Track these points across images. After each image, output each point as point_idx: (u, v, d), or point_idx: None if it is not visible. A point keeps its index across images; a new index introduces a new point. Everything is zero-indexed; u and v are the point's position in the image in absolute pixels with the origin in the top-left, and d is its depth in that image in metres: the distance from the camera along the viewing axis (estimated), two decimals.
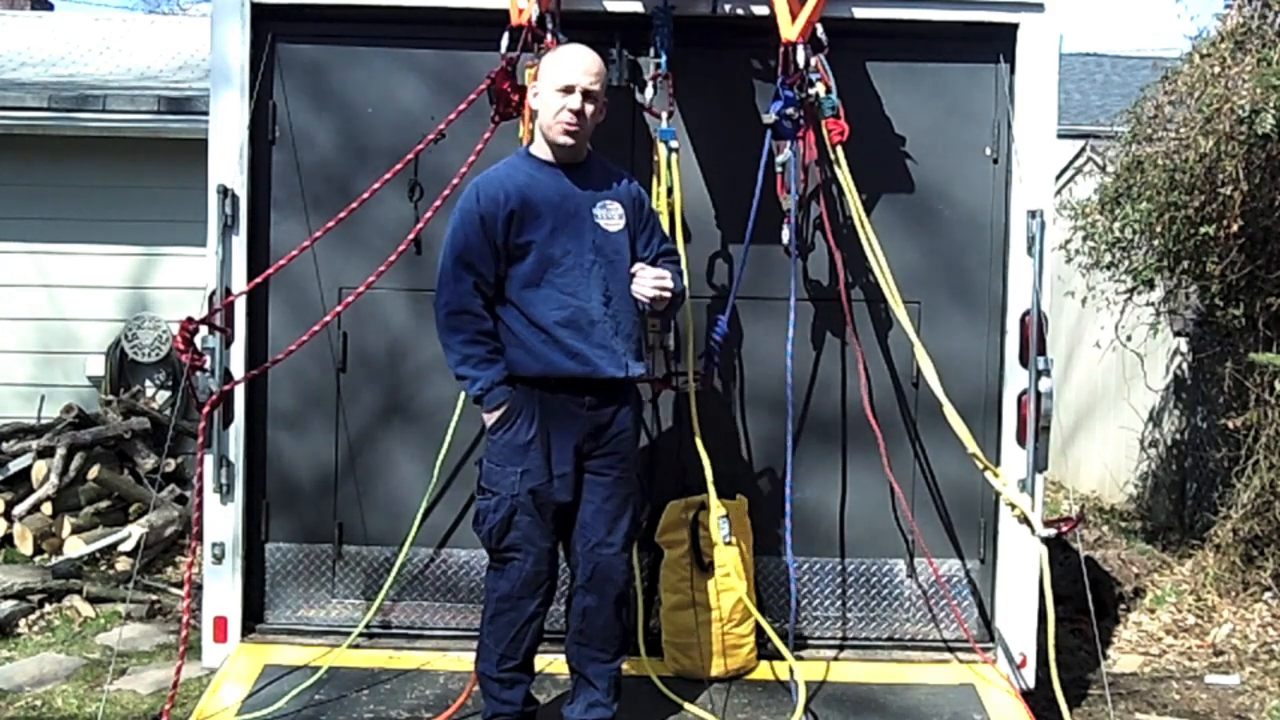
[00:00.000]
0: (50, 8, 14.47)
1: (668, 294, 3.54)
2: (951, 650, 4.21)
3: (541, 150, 3.52)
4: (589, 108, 3.45)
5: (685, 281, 3.79)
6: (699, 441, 3.81)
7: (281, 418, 4.24)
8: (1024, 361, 4.03)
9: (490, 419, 3.44)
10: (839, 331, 4.17)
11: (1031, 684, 4.10)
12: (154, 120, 8.12)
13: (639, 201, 3.64)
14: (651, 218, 3.70)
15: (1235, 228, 5.89)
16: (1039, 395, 3.90)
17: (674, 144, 3.93)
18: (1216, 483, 6.96)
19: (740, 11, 4.06)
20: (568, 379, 3.44)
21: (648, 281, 3.52)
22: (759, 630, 3.97)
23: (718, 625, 3.95)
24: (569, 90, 3.42)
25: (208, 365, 3.85)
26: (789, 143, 3.86)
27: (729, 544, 3.89)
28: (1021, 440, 4.03)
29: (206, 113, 4.19)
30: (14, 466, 7.15)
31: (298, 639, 4.18)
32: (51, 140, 8.25)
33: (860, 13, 4.05)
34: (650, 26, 3.97)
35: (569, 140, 3.46)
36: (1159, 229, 6.41)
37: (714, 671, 3.98)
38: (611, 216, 3.53)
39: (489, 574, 3.55)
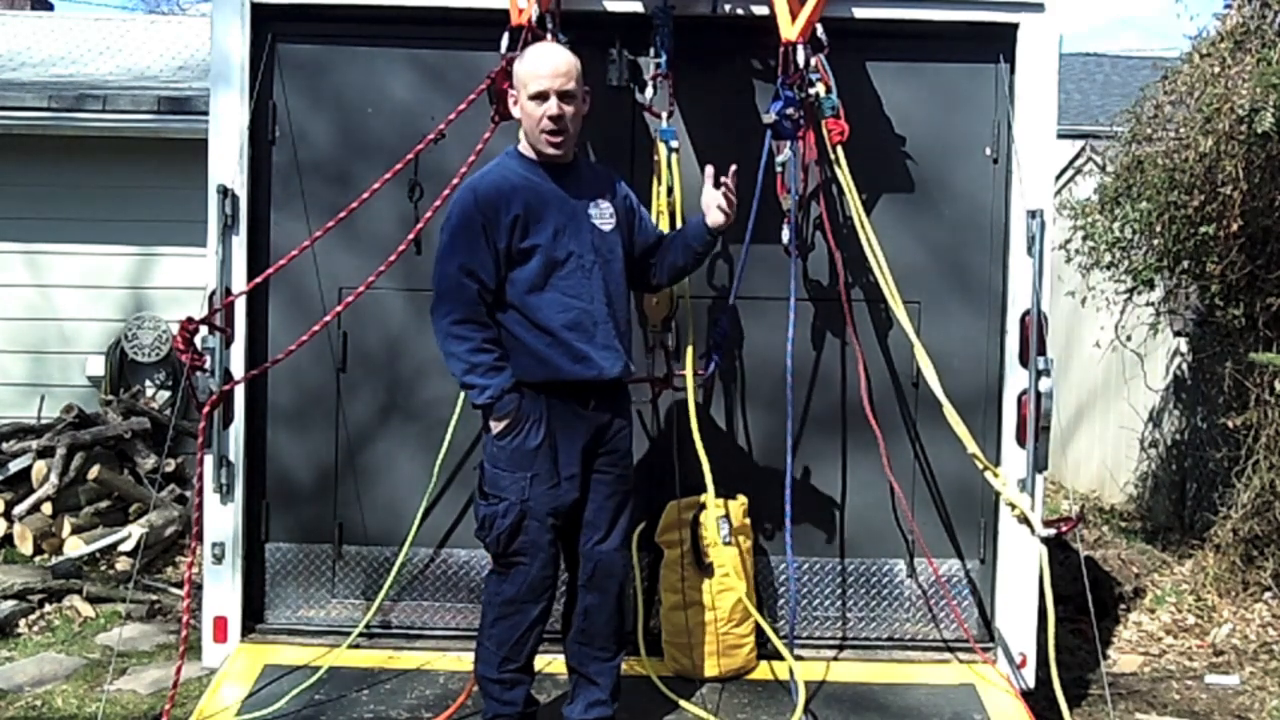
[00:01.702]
0: (50, 8, 14.48)
1: (731, 209, 3.55)
2: (951, 650, 4.21)
3: (530, 151, 3.48)
4: (567, 109, 3.40)
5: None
6: (698, 441, 3.81)
7: (281, 418, 4.24)
8: (1024, 361, 4.03)
9: (498, 427, 3.38)
10: (839, 331, 4.17)
11: (1031, 684, 4.10)
12: (154, 120, 8.12)
13: (626, 197, 3.66)
14: (639, 207, 3.71)
15: (1235, 227, 5.89)
16: (1039, 395, 3.90)
17: (674, 144, 3.93)
18: (1216, 483, 6.96)
19: (740, 11, 4.05)
20: (573, 383, 3.43)
21: (717, 197, 3.52)
22: (759, 630, 3.97)
23: (717, 625, 3.95)
24: (542, 97, 3.38)
25: (208, 365, 3.85)
26: (789, 143, 3.86)
27: (728, 544, 3.89)
28: (1021, 440, 4.03)
29: (206, 113, 4.18)
30: (14, 466, 7.15)
31: (298, 639, 4.17)
32: (51, 140, 8.25)
33: (860, 13, 4.05)
34: (650, 26, 3.97)
35: (556, 151, 3.44)
36: (1159, 229, 6.41)
37: (713, 671, 3.98)
38: (604, 215, 3.53)
39: (491, 578, 3.52)
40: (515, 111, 3.49)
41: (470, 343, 3.33)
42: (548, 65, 3.39)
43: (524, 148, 3.51)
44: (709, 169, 3.62)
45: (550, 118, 3.37)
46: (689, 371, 3.91)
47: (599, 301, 3.45)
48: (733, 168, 3.59)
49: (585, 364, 3.42)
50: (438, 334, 3.39)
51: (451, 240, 3.36)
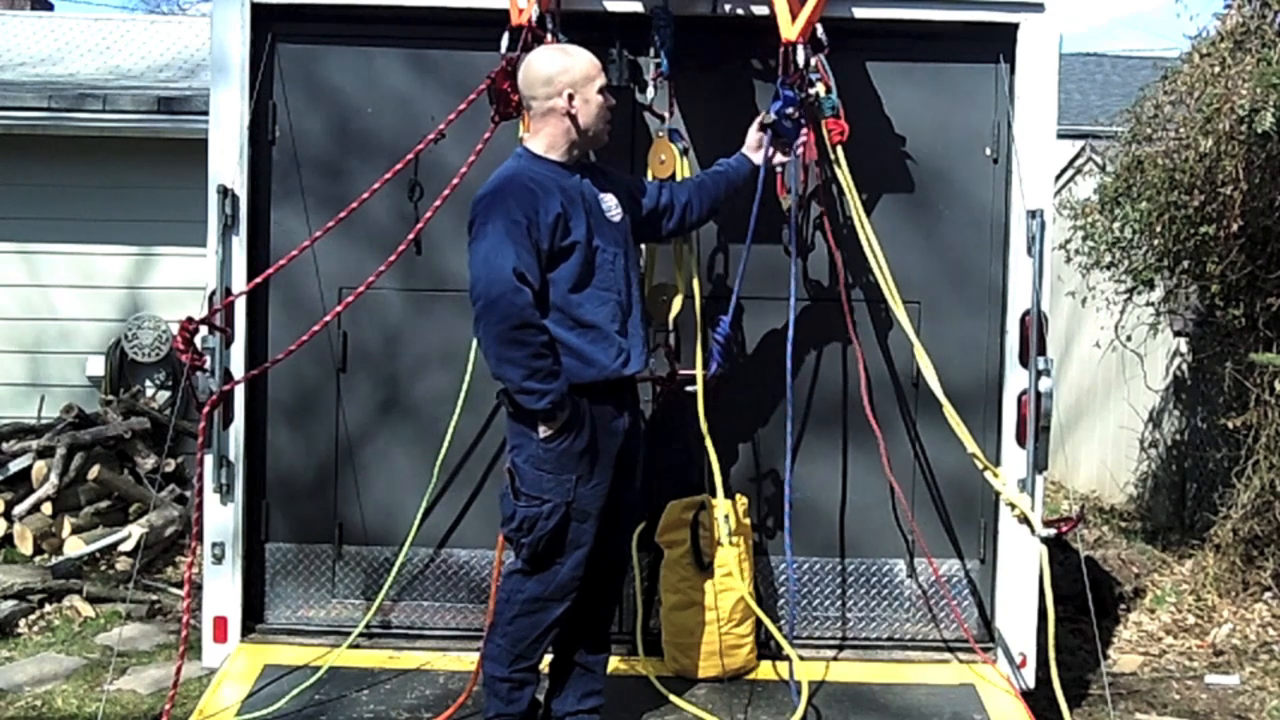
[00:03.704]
0: (50, 8, 14.48)
1: None
2: (951, 650, 4.21)
3: (553, 152, 3.47)
4: None
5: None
6: (708, 441, 3.81)
7: (281, 417, 4.24)
8: (1024, 361, 4.03)
9: (549, 431, 3.34)
10: (839, 331, 4.16)
11: (1031, 684, 4.09)
12: (153, 120, 8.13)
13: (620, 179, 3.70)
14: (631, 179, 3.81)
15: (1235, 227, 5.89)
16: (1039, 395, 3.90)
17: (683, 144, 3.96)
18: (1216, 483, 6.96)
19: (740, 11, 4.05)
20: (611, 382, 3.44)
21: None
22: (759, 630, 3.97)
23: (717, 625, 3.95)
24: (606, 87, 3.50)
25: (208, 365, 3.85)
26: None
27: (729, 544, 3.89)
28: (1021, 440, 4.03)
29: (205, 113, 4.18)
30: (14, 466, 7.15)
31: (298, 639, 4.17)
32: (50, 140, 8.25)
33: (860, 13, 4.05)
34: (650, 26, 3.97)
35: (605, 139, 3.58)
36: (1159, 229, 6.41)
37: (714, 672, 3.98)
38: (613, 207, 3.55)
39: (514, 577, 3.49)
40: (576, 109, 3.43)
41: (530, 348, 3.26)
42: (595, 59, 3.51)
43: (539, 148, 3.47)
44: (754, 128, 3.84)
45: (611, 107, 3.52)
46: (698, 371, 3.90)
47: (625, 292, 3.49)
48: None
49: (625, 359, 3.46)
50: (490, 341, 3.26)
51: (498, 247, 3.26)
